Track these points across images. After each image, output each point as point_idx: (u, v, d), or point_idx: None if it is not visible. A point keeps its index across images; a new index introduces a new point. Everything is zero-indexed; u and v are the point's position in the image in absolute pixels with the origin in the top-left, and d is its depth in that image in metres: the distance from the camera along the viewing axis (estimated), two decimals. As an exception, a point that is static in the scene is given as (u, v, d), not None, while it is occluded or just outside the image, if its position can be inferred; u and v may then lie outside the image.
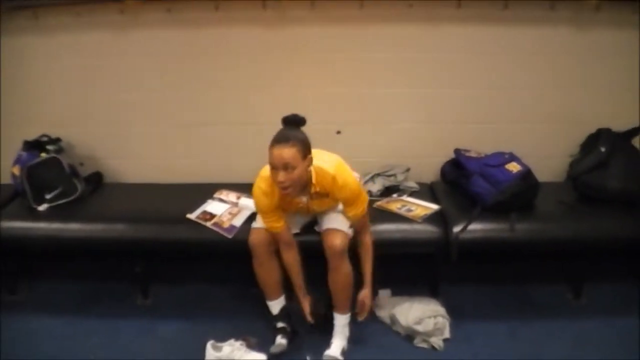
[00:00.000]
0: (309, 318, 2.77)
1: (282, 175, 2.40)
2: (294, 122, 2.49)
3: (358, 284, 2.71)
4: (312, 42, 3.28)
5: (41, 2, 3.27)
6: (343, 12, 3.19)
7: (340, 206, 2.71)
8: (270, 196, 2.58)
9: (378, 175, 3.29)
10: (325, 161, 2.58)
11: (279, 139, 2.42)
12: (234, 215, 3.01)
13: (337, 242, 2.60)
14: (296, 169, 2.41)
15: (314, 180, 2.56)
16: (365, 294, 2.73)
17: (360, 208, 2.65)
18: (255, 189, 2.62)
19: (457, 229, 2.86)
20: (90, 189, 3.42)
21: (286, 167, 2.39)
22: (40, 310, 3.15)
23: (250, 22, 3.27)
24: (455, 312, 2.90)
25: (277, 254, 2.74)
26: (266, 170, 2.56)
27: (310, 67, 3.34)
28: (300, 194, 2.60)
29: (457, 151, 3.27)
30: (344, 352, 2.70)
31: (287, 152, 2.38)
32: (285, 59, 3.30)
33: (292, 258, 2.73)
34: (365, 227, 2.72)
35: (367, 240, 2.72)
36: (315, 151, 2.54)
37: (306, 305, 2.77)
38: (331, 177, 2.54)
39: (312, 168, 2.53)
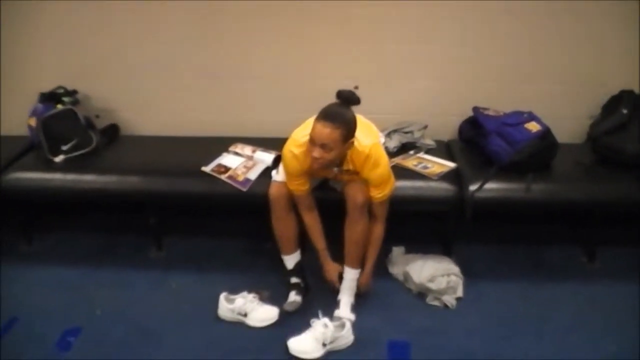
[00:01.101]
0: (337, 284, 2.77)
1: (317, 152, 2.38)
2: (347, 100, 2.43)
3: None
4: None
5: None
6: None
7: None
8: (302, 162, 2.53)
9: (395, 131, 3.25)
10: (364, 137, 2.52)
11: (326, 116, 2.36)
12: (249, 168, 3.00)
13: (359, 195, 2.59)
14: (333, 150, 2.38)
15: (347, 158, 2.53)
16: (362, 279, 2.76)
17: (385, 191, 2.61)
18: (286, 152, 2.59)
19: (473, 187, 2.83)
20: (106, 141, 3.41)
21: (324, 146, 2.36)
22: (54, 261, 3.21)
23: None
24: (468, 271, 2.90)
25: (296, 208, 2.73)
26: (300, 134, 2.55)
27: (328, 22, 3.27)
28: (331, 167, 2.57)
29: (475, 109, 3.22)
30: (353, 309, 2.71)
31: (330, 133, 2.33)
32: (302, 14, 3.24)
33: (313, 220, 2.73)
34: (381, 215, 2.69)
35: (378, 231, 2.71)
36: (359, 119, 2.49)
37: (330, 267, 2.78)
38: (365, 156, 2.50)
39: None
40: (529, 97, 3.30)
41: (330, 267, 2.78)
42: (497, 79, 3.35)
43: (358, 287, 2.76)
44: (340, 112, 2.39)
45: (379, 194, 2.59)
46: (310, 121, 2.44)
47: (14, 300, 2.86)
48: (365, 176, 2.57)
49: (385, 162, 2.58)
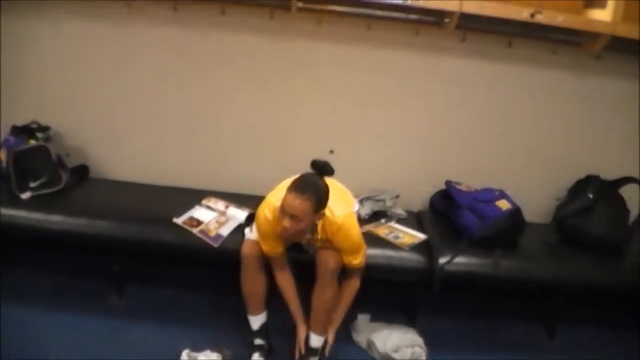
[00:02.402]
0: (302, 349, 2.72)
1: (287, 222, 2.39)
2: (321, 170, 2.47)
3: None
4: (314, 58, 3.27)
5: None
6: (350, 32, 3.20)
7: None
8: (275, 226, 2.52)
9: (368, 198, 3.29)
10: (337, 207, 2.54)
11: (298, 187, 2.39)
12: (221, 224, 2.98)
13: (331, 261, 2.59)
14: (303, 221, 2.39)
15: (319, 228, 2.55)
16: (331, 333, 2.75)
17: (358, 260, 2.63)
18: (260, 213, 2.59)
19: (442, 260, 2.87)
20: (75, 181, 3.35)
21: (294, 217, 2.37)
22: (9, 298, 3.05)
23: (255, 31, 3.25)
24: (431, 343, 2.90)
25: (267, 268, 2.71)
26: (274, 197, 2.55)
27: (310, 82, 3.33)
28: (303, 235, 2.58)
29: (448, 183, 3.29)
30: (316, 375, 2.67)
31: (300, 204, 2.35)
32: (286, 72, 3.29)
33: (286, 280, 2.72)
34: (357, 274, 2.71)
35: (354, 283, 2.72)
36: (334, 185, 2.55)
37: (302, 332, 2.73)
38: (337, 227, 2.52)
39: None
40: (500, 174, 3.40)
41: (302, 333, 2.73)
42: (470, 155, 3.45)
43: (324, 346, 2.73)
44: (313, 183, 2.42)
45: (355, 260, 2.61)
46: (285, 184, 2.46)
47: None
48: (337, 245, 2.57)
49: (356, 233, 2.60)
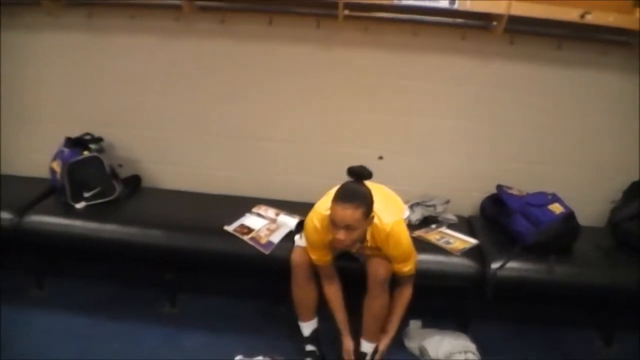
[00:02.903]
0: (349, 357, 2.71)
1: (342, 234, 2.36)
2: (359, 175, 2.43)
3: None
4: (361, 66, 3.28)
5: (97, 1, 3.31)
6: (396, 39, 3.19)
7: None
8: (323, 235, 2.52)
9: (418, 204, 3.27)
10: (385, 215, 2.52)
11: (344, 197, 2.35)
12: (272, 231, 2.99)
13: (381, 271, 2.56)
14: (357, 229, 2.37)
15: (368, 236, 2.52)
16: (386, 342, 2.72)
17: (408, 267, 2.59)
18: (309, 223, 2.59)
19: (495, 265, 2.82)
20: (128, 191, 3.42)
21: (348, 227, 2.34)
22: (64, 308, 3.14)
23: (302, 40, 3.28)
24: (484, 350, 2.85)
25: (317, 275, 2.71)
26: (322, 206, 2.54)
27: (358, 90, 3.33)
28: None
29: (499, 187, 3.24)
30: (369, 383, 2.66)
31: (352, 214, 2.32)
32: (333, 80, 3.30)
33: (334, 291, 2.70)
34: (409, 281, 2.67)
35: (407, 293, 2.69)
36: (383, 191, 2.60)
37: (348, 344, 2.71)
38: (386, 234, 2.49)
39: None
40: (552, 178, 3.34)
41: (347, 341, 2.72)
42: (521, 159, 3.39)
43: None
44: (356, 190, 2.39)
45: (405, 267, 2.58)
46: (332, 192, 2.44)
47: (19, 346, 2.80)
48: (386, 253, 2.55)
49: (406, 240, 2.57)
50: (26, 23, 3.43)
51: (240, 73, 3.40)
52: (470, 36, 3.17)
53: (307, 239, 2.63)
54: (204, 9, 3.20)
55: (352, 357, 2.70)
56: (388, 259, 2.57)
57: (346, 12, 3.03)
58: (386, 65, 3.27)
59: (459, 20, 3.08)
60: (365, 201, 2.37)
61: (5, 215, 3.08)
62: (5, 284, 3.28)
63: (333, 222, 2.37)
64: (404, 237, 2.56)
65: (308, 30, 3.23)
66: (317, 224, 2.54)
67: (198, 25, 3.31)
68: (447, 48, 3.22)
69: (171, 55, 3.41)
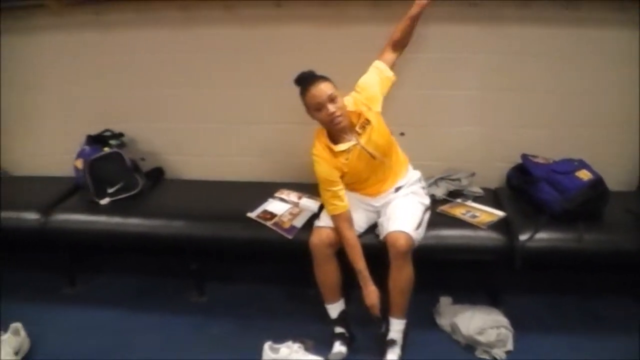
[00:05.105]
0: (377, 310, 2.64)
1: (332, 107, 2.52)
2: (315, 77, 2.61)
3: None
4: (372, 41, 3.19)
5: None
6: (405, 11, 3.12)
7: (404, 196, 2.77)
8: (327, 159, 2.65)
9: (442, 179, 3.21)
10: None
11: (312, 80, 2.58)
12: (294, 215, 2.98)
13: (401, 242, 2.52)
14: (338, 97, 2.55)
15: (349, 109, 2.64)
16: None
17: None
18: (313, 158, 2.70)
19: (523, 237, 2.76)
20: (151, 184, 3.44)
21: (331, 98, 2.52)
22: (96, 303, 3.21)
23: (311, 20, 3.23)
24: (517, 323, 2.79)
25: (338, 255, 2.70)
26: (317, 143, 2.69)
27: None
28: (348, 138, 2.65)
29: (524, 156, 3.15)
30: (400, 361, 2.64)
31: (325, 85, 2.54)
32: (347, 58, 3.20)
33: (353, 238, 2.66)
34: None
35: None
36: None
37: (373, 295, 2.62)
38: (351, 96, 2.70)
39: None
40: (579, 144, 3.22)
41: (371, 290, 2.64)
42: (545, 125, 3.28)
43: None
44: (310, 72, 2.64)
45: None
46: (318, 133, 2.71)
47: (54, 342, 2.86)
48: (367, 102, 2.69)
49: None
50: (34, 25, 3.48)
51: (253, 58, 3.36)
52: (481, 2, 3.07)
53: (319, 176, 2.68)
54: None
55: (379, 311, 2.65)
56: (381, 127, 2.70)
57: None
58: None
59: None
60: (322, 75, 2.61)
61: (32, 215, 3.15)
62: (39, 281, 3.37)
63: (319, 105, 2.55)
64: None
65: (315, 10, 3.19)
66: (318, 147, 2.69)
67: (204, 13, 3.29)
68: (459, 16, 3.12)
69: (181, 45, 3.40)
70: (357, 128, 2.64)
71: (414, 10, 2.68)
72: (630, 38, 3.06)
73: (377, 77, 2.73)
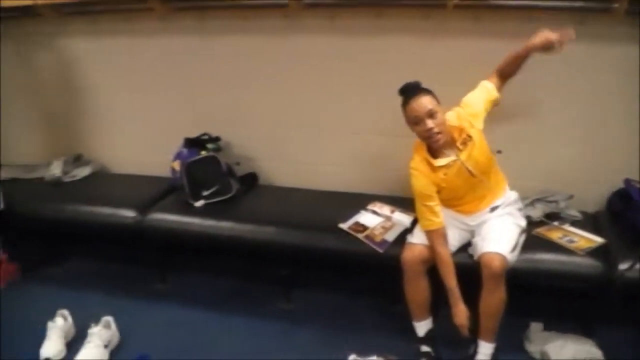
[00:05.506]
0: (466, 330, 2.60)
1: (430, 122, 2.50)
2: (417, 89, 2.59)
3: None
4: (475, 55, 3.15)
5: (208, 4, 3.42)
6: (509, 26, 3.05)
7: (500, 216, 2.71)
8: (426, 173, 2.63)
9: (538, 200, 3.11)
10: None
11: (412, 93, 2.56)
12: (386, 229, 2.96)
13: (495, 263, 2.47)
14: (438, 112, 2.52)
15: (451, 124, 2.62)
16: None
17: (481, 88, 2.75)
18: (411, 172, 2.68)
19: (623, 266, 2.63)
20: (245, 189, 3.50)
21: (430, 113, 2.50)
22: (184, 301, 3.30)
23: (411, 31, 3.21)
24: (611, 357, 2.68)
25: (429, 273, 2.67)
26: (416, 149, 2.69)
27: (472, 80, 3.19)
28: (448, 154, 2.62)
29: (627, 181, 3.02)
30: (488, 385, 2.58)
31: (426, 99, 2.52)
32: (447, 71, 3.17)
33: (446, 255, 2.62)
34: None
35: None
36: None
37: (462, 314, 2.58)
38: (454, 111, 2.67)
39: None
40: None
41: (460, 309, 2.59)
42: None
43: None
44: (414, 83, 2.60)
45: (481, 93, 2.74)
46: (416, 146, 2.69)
47: (143, 336, 2.97)
48: (469, 119, 2.65)
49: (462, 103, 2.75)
50: (138, 29, 3.63)
51: (351, 68, 3.37)
52: (591, 20, 2.95)
53: (417, 191, 2.66)
54: (311, 6, 3.23)
55: (468, 331, 2.60)
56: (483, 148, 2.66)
57: (456, 1, 2.94)
58: (499, 54, 3.13)
59: (577, 4, 2.90)
60: (426, 88, 2.59)
61: (130, 213, 3.28)
62: (132, 277, 3.51)
63: (417, 119, 2.53)
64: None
65: (416, 22, 3.16)
66: (417, 160, 2.67)
67: (307, 22, 3.33)
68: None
69: (281, 53, 3.45)
70: (458, 144, 2.61)
71: (532, 45, 2.57)
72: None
73: (483, 95, 2.70)
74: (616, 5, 2.82)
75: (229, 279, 3.51)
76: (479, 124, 2.66)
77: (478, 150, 2.63)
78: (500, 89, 2.72)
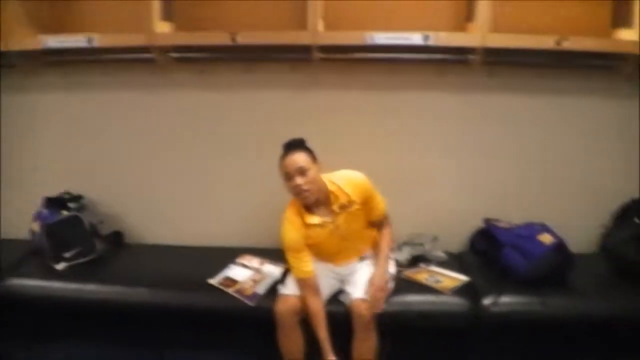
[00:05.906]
0: None
1: (299, 179, 2.53)
2: (294, 146, 2.63)
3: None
4: (341, 106, 3.25)
5: (71, 59, 3.29)
6: (373, 78, 3.18)
7: (369, 265, 2.75)
8: (297, 227, 2.64)
9: (405, 244, 3.20)
10: (334, 175, 2.71)
11: (289, 148, 2.61)
12: (256, 282, 2.93)
13: (364, 311, 2.53)
14: (310, 170, 2.55)
15: (331, 189, 2.64)
16: (377, 274, 2.68)
17: (382, 204, 2.78)
18: (283, 223, 2.67)
19: (487, 301, 2.75)
20: (110, 248, 3.36)
21: (301, 170, 2.54)
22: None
23: (280, 86, 3.28)
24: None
25: (302, 324, 2.65)
26: (292, 201, 2.68)
27: (340, 131, 3.28)
28: (323, 214, 2.65)
29: (487, 221, 3.18)
30: None
31: (299, 157, 2.56)
32: (315, 123, 3.22)
33: (318, 306, 2.63)
34: (387, 220, 2.86)
35: (389, 229, 2.86)
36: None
37: None
38: (346, 179, 2.67)
39: (326, 181, 2.65)
40: (539, 207, 3.27)
41: None
42: (507, 191, 3.34)
43: (374, 287, 2.65)
44: (295, 140, 2.65)
45: (378, 206, 2.78)
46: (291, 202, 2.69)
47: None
48: (355, 198, 2.65)
49: (362, 177, 2.72)
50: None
51: (221, 122, 3.38)
52: (450, 71, 3.15)
53: (287, 244, 2.66)
54: (179, 60, 3.21)
55: None
56: (367, 212, 2.73)
57: (321, 55, 3.02)
58: (367, 105, 3.25)
59: (437, 56, 3.07)
60: (306, 146, 2.65)
61: (-16, 279, 3.01)
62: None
63: (287, 175, 2.57)
64: (359, 175, 2.71)
65: (284, 75, 3.23)
66: (289, 215, 2.67)
67: (176, 76, 3.31)
68: (426, 85, 3.21)
69: (149, 108, 3.40)
70: (334, 206, 2.64)
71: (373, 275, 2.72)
72: (596, 105, 3.19)
73: (367, 197, 2.73)
74: (472, 57, 3.00)
75: (98, 345, 3.24)
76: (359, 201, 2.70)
77: (356, 218, 2.69)
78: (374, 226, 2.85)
